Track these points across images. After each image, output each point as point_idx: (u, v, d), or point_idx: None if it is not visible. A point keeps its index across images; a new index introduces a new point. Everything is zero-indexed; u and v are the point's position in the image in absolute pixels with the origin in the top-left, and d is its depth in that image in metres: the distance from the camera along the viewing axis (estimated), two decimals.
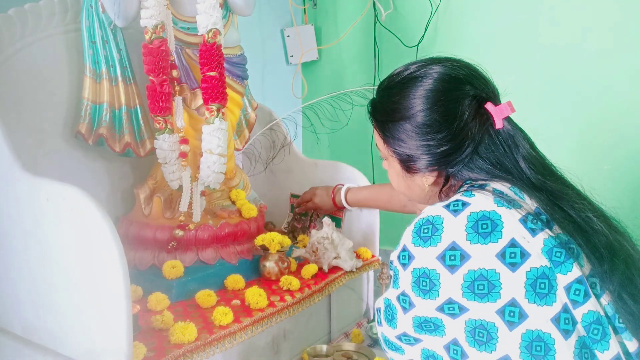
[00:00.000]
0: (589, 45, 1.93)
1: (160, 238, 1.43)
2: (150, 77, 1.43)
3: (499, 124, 0.92)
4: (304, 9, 2.59)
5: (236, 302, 1.34)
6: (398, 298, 0.89)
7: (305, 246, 1.68)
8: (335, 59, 2.60)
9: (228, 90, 1.52)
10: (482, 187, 0.91)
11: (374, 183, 2.35)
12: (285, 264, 1.53)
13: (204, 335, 1.14)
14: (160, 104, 1.43)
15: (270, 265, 1.51)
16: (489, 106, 0.92)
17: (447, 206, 0.87)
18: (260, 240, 1.52)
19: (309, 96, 2.49)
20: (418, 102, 0.93)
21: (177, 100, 1.49)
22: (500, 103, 0.94)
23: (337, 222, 1.82)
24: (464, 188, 0.94)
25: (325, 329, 1.59)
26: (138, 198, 1.51)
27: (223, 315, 1.20)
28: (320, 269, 1.57)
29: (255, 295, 1.31)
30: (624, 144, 1.91)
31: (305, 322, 1.48)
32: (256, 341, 1.30)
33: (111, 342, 0.98)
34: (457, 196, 0.89)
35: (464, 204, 0.86)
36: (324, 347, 1.45)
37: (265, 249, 1.52)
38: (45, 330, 1.12)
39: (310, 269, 1.54)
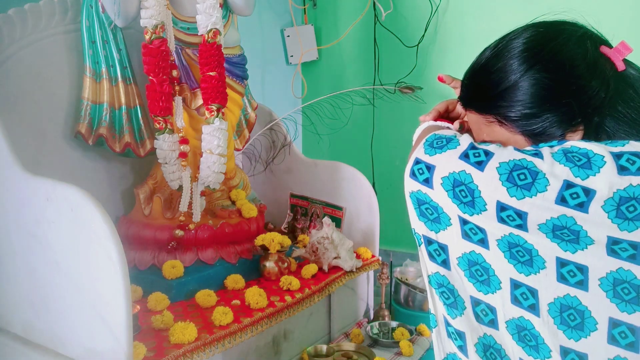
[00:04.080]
0: None
1: (160, 238, 1.43)
2: (150, 77, 1.43)
3: (621, 66, 0.79)
4: (304, 9, 2.59)
5: (236, 302, 1.34)
6: None
7: (305, 246, 1.68)
8: (335, 59, 2.59)
9: (228, 90, 1.52)
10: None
11: (374, 183, 2.35)
12: (285, 264, 1.53)
13: (204, 335, 1.14)
14: (160, 104, 1.43)
15: (270, 265, 1.51)
16: (604, 49, 0.80)
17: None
18: (260, 240, 1.52)
19: (309, 96, 2.49)
20: (529, 54, 0.79)
21: (177, 100, 1.49)
22: (613, 47, 0.81)
23: (337, 222, 1.82)
24: None
25: (325, 329, 1.59)
26: (138, 198, 1.51)
27: (223, 315, 1.20)
28: (320, 269, 1.57)
29: (255, 295, 1.31)
30: None
31: (305, 322, 1.48)
32: (256, 341, 1.30)
33: (111, 342, 0.98)
34: None
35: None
36: (324, 347, 1.45)
37: (265, 249, 1.52)
38: (45, 330, 1.12)
39: (310, 269, 1.54)
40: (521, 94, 0.79)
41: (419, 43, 2.30)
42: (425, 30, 2.27)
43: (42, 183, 1.07)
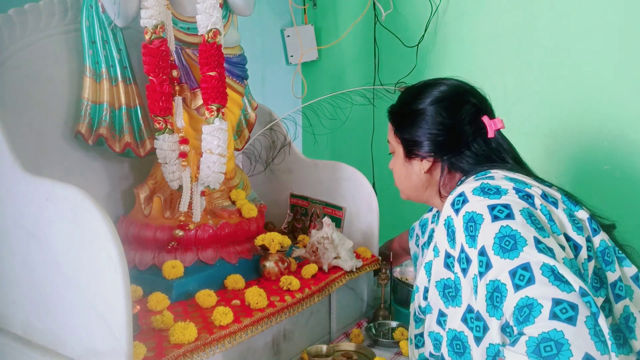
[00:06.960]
0: (589, 44, 1.93)
1: (160, 238, 1.43)
2: (150, 77, 1.43)
3: (491, 134, 1.16)
4: (304, 9, 2.59)
5: (236, 302, 1.34)
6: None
7: (305, 246, 1.68)
8: (335, 59, 2.60)
9: (228, 90, 1.52)
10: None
11: (374, 183, 2.35)
12: (285, 264, 1.53)
13: (204, 335, 1.14)
14: (160, 104, 1.43)
15: (270, 265, 1.51)
16: (485, 119, 1.16)
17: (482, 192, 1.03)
18: (260, 240, 1.52)
19: (309, 96, 2.49)
20: (430, 99, 1.20)
21: (177, 100, 1.49)
22: (495, 118, 1.18)
23: (337, 222, 1.82)
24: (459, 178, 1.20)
25: (325, 329, 1.59)
26: (138, 198, 1.51)
27: (223, 315, 1.20)
28: (320, 269, 1.57)
29: (255, 295, 1.31)
30: (625, 145, 1.91)
31: (305, 322, 1.48)
32: (256, 341, 1.30)
33: (111, 342, 0.98)
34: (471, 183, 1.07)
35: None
36: (324, 347, 1.45)
37: (265, 249, 1.52)
38: (45, 330, 1.12)
39: (310, 269, 1.54)
40: (422, 124, 1.21)
41: (418, 43, 2.30)
42: (425, 30, 2.27)
43: (42, 183, 1.07)
